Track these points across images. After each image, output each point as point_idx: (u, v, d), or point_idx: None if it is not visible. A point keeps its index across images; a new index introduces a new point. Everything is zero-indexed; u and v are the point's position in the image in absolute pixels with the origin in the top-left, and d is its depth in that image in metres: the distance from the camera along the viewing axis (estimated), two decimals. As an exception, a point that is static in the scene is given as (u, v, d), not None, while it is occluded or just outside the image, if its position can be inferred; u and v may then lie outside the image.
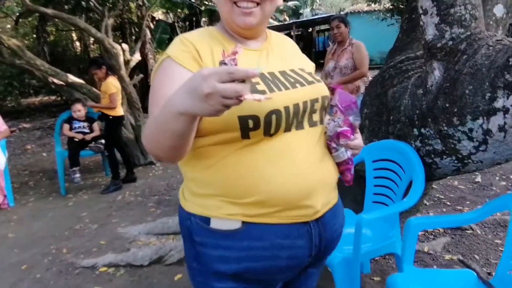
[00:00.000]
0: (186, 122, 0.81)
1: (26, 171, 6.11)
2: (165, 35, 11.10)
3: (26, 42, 12.93)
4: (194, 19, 11.99)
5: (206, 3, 11.38)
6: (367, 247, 2.02)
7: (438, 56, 1.91)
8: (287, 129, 1.02)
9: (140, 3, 9.49)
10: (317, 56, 22.10)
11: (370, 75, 4.65)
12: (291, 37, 20.30)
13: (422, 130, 2.00)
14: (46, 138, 8.40)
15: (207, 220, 1.03)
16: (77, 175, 4.74)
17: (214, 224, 1.02)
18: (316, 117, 1.11)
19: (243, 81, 0.72)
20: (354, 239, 1.85)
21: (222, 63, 0.79)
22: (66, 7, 8.32)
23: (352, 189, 2.80)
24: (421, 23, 1.97)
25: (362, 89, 4.06)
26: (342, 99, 1.13)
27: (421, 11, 1.97)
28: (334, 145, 1.12)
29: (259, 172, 1.00)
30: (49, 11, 5.15)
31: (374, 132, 2.45)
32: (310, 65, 1.25)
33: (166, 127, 0.83)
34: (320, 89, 1.14)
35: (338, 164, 1.15)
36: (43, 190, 5.07)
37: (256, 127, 0.97)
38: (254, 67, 0.75)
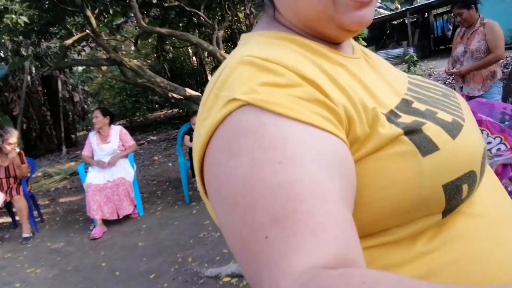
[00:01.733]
0: None
1: (154, 181, 6.55)
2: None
3: (148, 62, 14.11)
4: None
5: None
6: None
7: None
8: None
9: (248, 12, 9.69)
10: (436, 42, 20.46)
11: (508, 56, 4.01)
12: (405, 25, 19.17)
13: None
14: (171, 148, 8.97)
15: None
16: (199, 184, 4.92)
17: None
18: None
19: None
20: None
21: None
22: (180, 25, 8.84)
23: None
24: None
25: (499, 75, 3.52)
26: (477, 109, 0.74)
27: None
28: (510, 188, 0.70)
29: (491, 265, 0.53)
30: (164, 30, 5.49)
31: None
32: None
33: None
34: (465, 102, 0.72)
35: None
36: (170, 199, 5.35)
37: (471, 191, 0.54)
38: None
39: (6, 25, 5.11)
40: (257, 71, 0.49)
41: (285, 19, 0.60)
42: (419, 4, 20.20)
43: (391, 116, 0.53)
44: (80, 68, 13.76)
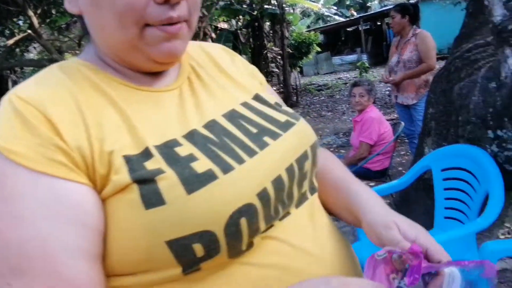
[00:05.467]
0: None
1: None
2: (228, 43, 11.19)
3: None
4: (256, 24, 11.96)
5: (267, 6, 11.28)
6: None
7: (510, 41, 1.56)
8: (268, 226, 0.57)
9: (201, 14, 9.62)
10: (388, 49, 21.07)
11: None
12: (359, 32, 19.72)
13: (499, 132, 1.66)
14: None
15: None
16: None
17: None
18: (305, 185, 0.64)
19: None
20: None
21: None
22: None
23: (422, 200, 2.49)
24: (486, 2, 1.63)
25: (431, 84, 3.66)
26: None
27: (486, -11, 1.63)
28: None
29: None
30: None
31: (442, 135, 2.12)
32: (264, 85, 0.76)
33: None
34: (304, 133, 0.66)
35: None
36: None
37: (212, 252, 0.51)
38: None
39: None
40: (11, 112, 0.50)
41: (98, 48, 0.60)
42: (373, 12, 20.83)
43: (139, 158, 0.51)
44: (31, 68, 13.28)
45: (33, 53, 10.42)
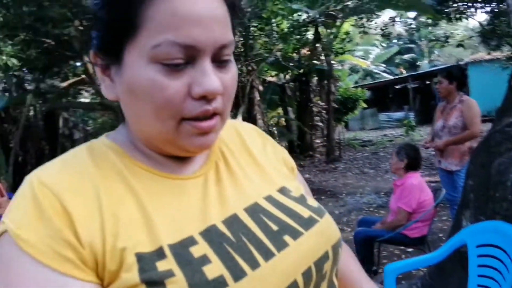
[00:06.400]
0: None
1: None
2: (275, 96, 11.43)
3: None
4: (304, 78, 12.20)
5: (316, 62, 11.53)
6: None
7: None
8: None
9: (250, 68, 9.96)
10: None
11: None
12: (407, 90, 19.65)
13: (536, 213, 1.60)
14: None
15: None
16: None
17: None
18: (323, 285, 0.61)
19: None
20: None
21: None
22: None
23: (457, 273, 2.38)
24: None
25: (477, 151, 3.56)
26: None
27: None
28: None
29: None
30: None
31: (480, 209, 2.06)
32: (294, 172, 0.75)
33: None
34: (327, 232, 0.63)
35: None
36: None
37: None
38: None
39: (-2, 64, 5.38)
40: (29, 196, 0.51)
41: (131, 131, 0.61)
42: (422, 72, 20.75)
43: (152, 257, 0.50)
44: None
45: (86, 95, 11.08)
